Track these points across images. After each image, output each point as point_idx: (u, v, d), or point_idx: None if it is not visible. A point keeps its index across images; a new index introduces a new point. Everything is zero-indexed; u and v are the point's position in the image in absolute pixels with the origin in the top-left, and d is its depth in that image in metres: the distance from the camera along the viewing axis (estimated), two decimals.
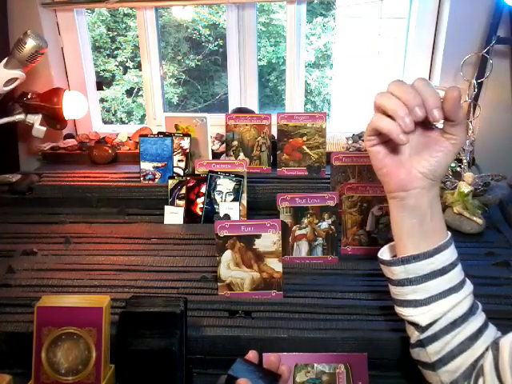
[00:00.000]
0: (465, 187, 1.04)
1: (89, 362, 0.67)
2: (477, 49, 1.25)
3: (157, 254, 0.98)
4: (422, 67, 1.38)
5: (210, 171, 1.10)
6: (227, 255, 0.81)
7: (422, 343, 0.58)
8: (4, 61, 1.15)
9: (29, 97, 1.27)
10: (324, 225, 0.93)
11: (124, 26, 5.41)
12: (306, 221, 0.93)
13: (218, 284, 0.83)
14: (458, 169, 1.19)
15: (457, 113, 0.50)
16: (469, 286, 0.59)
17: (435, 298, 0.56)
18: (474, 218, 1.02)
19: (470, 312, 0.57)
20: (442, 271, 0.56)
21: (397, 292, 0.60)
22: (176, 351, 0.67)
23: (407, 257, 0.57)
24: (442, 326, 0.56)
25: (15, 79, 1.17)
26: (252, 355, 0.58)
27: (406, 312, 0.59)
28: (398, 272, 0.59)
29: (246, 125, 1.24)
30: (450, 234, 0.59)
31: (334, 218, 0.92)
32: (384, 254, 0.65)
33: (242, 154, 1.25)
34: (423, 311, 0.57)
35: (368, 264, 0.90)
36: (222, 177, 1.10)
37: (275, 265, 0.81)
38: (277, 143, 1.22)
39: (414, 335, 0.59)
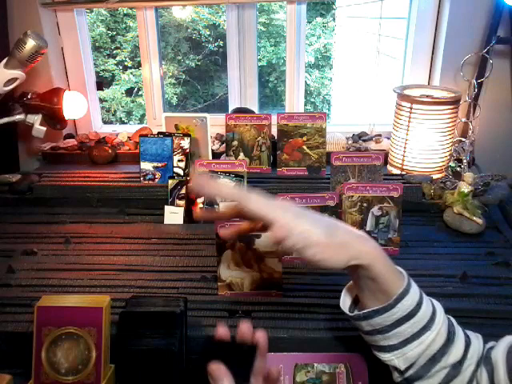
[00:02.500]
0: (465, 187, 1.05)
1: (89, 362, 0.67)
2: (477, 49, 1.25)
3: (157, 253, 0.98)
4: (422, 67, 1.38)
5: (210, 171, 1.10)
6: (227, 255, 0.81)
7: (407, 382, 0.56)
8: (4, 61, 1.15)
9: (29, 97, 1.27)
10: None
11: (124, 25, 5.42)
12: None
13: (218, 284, 0.83)
14: (458, 169, 1.19)
15: None
16: (440, 315, 0.55)
17: (409, 340, 0.54)
18: (474, 218, 1.02)
19: (448, 341, 0.54)
20: (409, 316, 0.53)
21: (368, 339, 0.58)
22: (176, 351, 0.67)
23: (368, 312, 0.55)
24: (422, 364, 0.54)
25: (15, 79, 1.17)
26: (222, 331, 0.52)
27: (382, 356, 0.57)
28: (363, 326, 0.57)
29: (246, 125, 1.24)
30: (405, 274, 0.56)
31: (334, 218, 0.92)
32: (345, 299, 0.61)
33: (242, 154, 1.25)
34: (399, 355, 0.55)
35: None
36: (222, 177, 1.10)
37: (275, 265, 0.81)
38: (277, 143, 1.22)
39: (396, 376, 0.57)
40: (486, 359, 0.54)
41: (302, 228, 0.52)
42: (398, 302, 0.53)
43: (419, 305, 0.54)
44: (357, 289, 0.58)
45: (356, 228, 0.95)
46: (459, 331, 0.57)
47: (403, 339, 0.54)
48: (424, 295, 0.56)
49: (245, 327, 0.51)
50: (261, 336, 0.51)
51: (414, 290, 0.54)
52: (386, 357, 0.56)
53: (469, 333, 0.58)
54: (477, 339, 0.57)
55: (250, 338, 0.52)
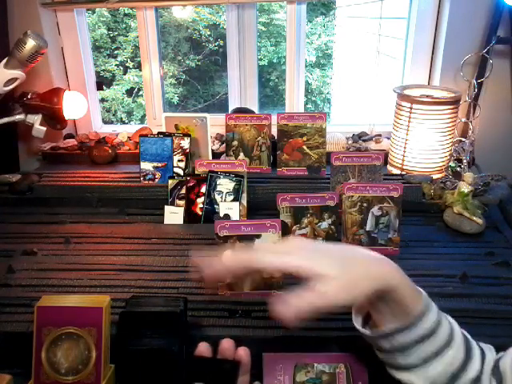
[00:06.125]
0: (465, 187, 1.04)
1: (89, 362, 0.66)
2: (477, 49, 1.25)
3: (157, 254, 0.98)
4: (422, 67, 1.38)
5: (210, 171, 1.10)
6: None
7: None
8: (4, 61, 1.15)
9: (29, 97, 1.27)
10: (324, 225, 0.93)
11: (124, 26, 5.42)
12: (306, 221, 0.93)
13: (218, 284, 0.83)
14: (458, 169, 1.19)
15: None
16: (457, 331, 0.54)
17: (430, 358, 0.52)
18: (474, 218, 1.02)
19: (467, 358, 0.53)
20: (431, 333, 0.51)
21: (385, 358, 0.56)
22: (176, 351, 0.67)
23: (390, 332, 0.52)
24: (442, 383, 0.52)
25: (15, 79, 1.17)
26: (203, 348, 0.51)
27: (400, 376, 0.54)
28: (382, 343, 0.54)
29: (246, 125, 1.24)
30: (423, 291, 0.54)
31: (334, 217, 0.92)
32: (356, 318, 0.58)
33: (242, 154, 1.25)
34: (419, 373, 0.52)
35: None
36: (222, 177, 1.10)
37: None
38: (277, 143, 1.22)
39: None
40: (494, 369, 0.53)
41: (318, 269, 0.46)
42: (420, 319, 0.51)
43: (440, 321, 0.52)
44: (370, 309, 0.55)
45: (356, 228, 0.96)
46: (474, 345, 0.55)
47: (424, 357, 0.52)
48: (443, 315, 0.54)
49: (226, 344, 0.51)
50: (243, 353, 0.51)
51: (434, 307, 0.53)
52: (404, 376, 0.54)
53: (482, 345, 0.57)
54: (490, 352, 0.56)
55: (231, 355, 0.51)
